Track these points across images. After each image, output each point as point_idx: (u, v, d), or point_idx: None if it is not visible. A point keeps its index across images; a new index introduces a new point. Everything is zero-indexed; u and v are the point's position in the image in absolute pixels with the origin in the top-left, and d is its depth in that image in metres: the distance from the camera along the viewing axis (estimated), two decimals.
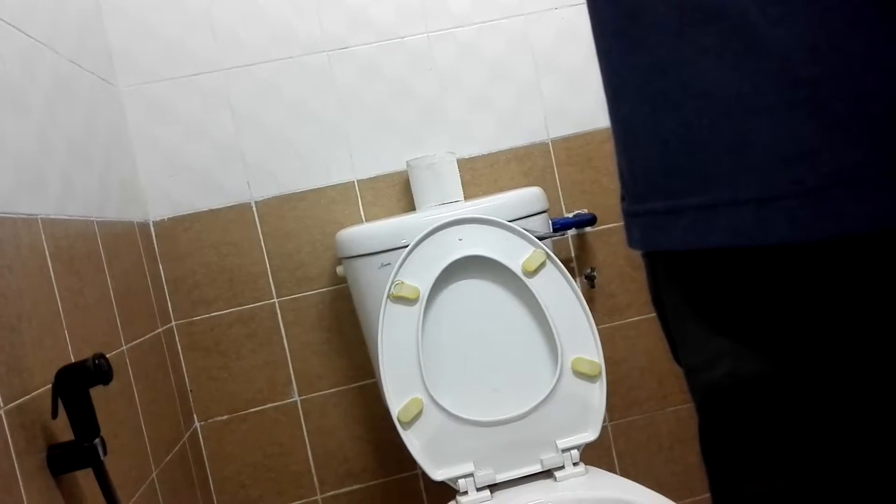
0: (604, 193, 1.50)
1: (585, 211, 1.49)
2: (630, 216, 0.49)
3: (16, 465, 0.70)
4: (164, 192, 1.37)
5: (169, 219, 1.38)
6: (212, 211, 1.39)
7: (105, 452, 0.79)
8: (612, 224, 1.50)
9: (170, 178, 1.38)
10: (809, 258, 0.38)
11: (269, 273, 1.41)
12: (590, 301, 1.50)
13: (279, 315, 1.41)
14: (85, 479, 0.84)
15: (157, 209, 1.37)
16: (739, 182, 0.40)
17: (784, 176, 0.38)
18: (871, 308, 0.37)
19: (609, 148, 1.50)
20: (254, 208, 1.40)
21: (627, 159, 0.48)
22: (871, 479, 0.38)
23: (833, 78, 0.35)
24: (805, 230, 0.37)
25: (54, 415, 0.77)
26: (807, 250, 0.38)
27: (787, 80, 0.37)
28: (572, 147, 1.49)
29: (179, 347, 1.38)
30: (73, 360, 0.87)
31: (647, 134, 0.46)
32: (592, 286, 1.50)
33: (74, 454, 0.77)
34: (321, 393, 1.43)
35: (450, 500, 1.16)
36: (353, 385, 1.44)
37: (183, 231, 1.38)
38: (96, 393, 0.92)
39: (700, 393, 0.47)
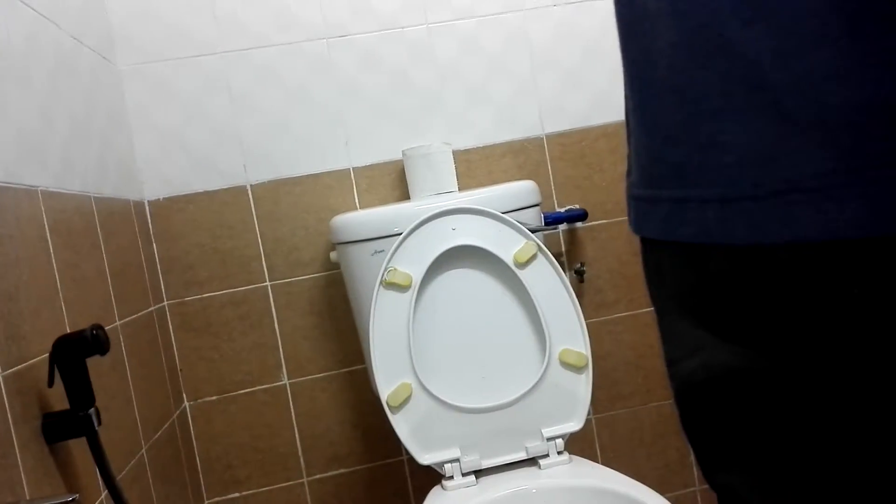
0: (596, 190, 1.52)
1: (577, 206, 1.51)
2: (628, 197, 0.50)
3: (12, 430, 0.71)
4: (160, 172, 1.38)
5: (164, 199, 1.38)
6: (207, 192, 1.40)
7: (99, 422, 0.80)
8: (603, 220, 1.52)
9: (166, 159, 1.38)
10: (775, 258, 0.38)
11: (263, 256, 1.42)
12: (578, 295, 1.52)
13: (271, 298, 1.42)
14: (78, 448, 0.85)
15: (152, 189, 1.38)
16: (707, 180, 0.40)
17: (746, 178, 0.38)
18: (831, 310, 0.37)
19: (602, 145, 1.52)
20: (249, 191, 1.41)
21: (628, 144, 0.50)
22: (832, 471, 0.39)
23: (796, 86, 0.36)
24: (761, 233, 0.38)
25: (50, 383, 0.78)
26: (773, 250, 0.38)
27: (753, 84, 0.37)
28: (566, 143, 1.51)
29: (171, 327, 1.39)
30: (69, 332, 0.88)
31: (636, 123, 0.47)
32: (582, 281, 1.52)
33: (69, 422, 0.78)
34: (310, 377, 1.44)
35: (435, 485, 1.18)
36: (343, 370, 1.45)
37: (178, 211, 1.39)
38: (89, 366, 0.93)
39: (676, 384, 0.48)
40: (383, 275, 1.19)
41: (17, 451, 0.72)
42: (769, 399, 0.40)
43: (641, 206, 0.47)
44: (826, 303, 0.37)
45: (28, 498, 0.70)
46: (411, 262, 1.20)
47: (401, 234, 1.21)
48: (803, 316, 0.38)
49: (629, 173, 0.50)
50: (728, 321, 0.41)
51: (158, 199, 1.38)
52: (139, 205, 1.34)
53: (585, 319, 1.50)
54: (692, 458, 1.55)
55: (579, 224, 1.52)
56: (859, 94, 0.35)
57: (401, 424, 1.17)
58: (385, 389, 1.17)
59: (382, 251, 1.24)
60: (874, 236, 0.35)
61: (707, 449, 0.46)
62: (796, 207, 0.36)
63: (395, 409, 1.17)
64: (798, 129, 0.36)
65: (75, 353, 0.78)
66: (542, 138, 1.50)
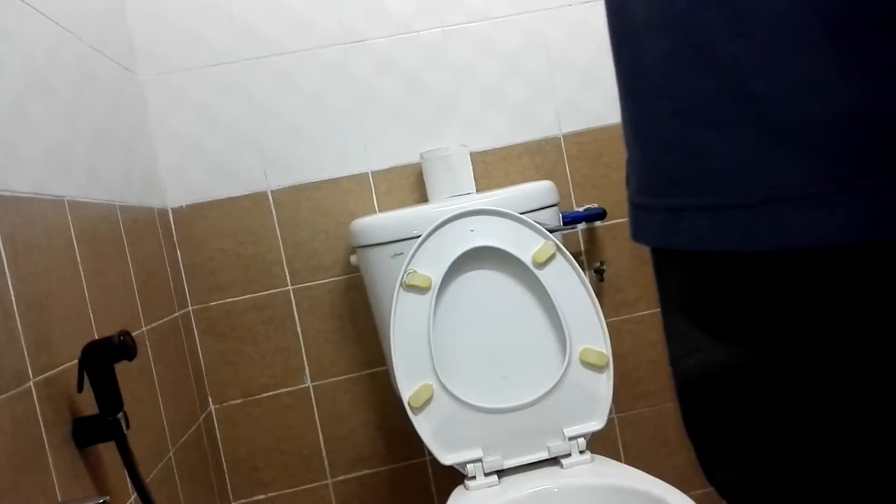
0: (614, 188, 1.51)
1: (596, 205, 1.51)
2: (629, 205, 0.51)
3: (44, 435, 0.73)
4: (182, 180, 1.40)
5: (187, 206, 1.41)
6: (229, 199, 1.42)
7: (128, 426, 0.82)
8: (622, 219, 1.52)
9: (188, 166, 1.41)
10: (766, 265, 0.39)
11: (284, 261, 1.44)
12: (598, 295, 1.52)
13: (293, 302, 1.44)
14: (107, 452, 0.87)
15: (175, 196, 1.40)
16: (700, 189, 0.41)
17: (736, 187, 0.39)
18: (819, 314, 0.38)
19: (619, 144, 1.51)
20: (270, 197, 1.43)
21: (627, 151, 0.50)
22: (823, 468, 0.40)
23: (781, 97, 0.36)
24: (752, 241, 0.39)
25: (80, 388, 0.80)
26: (764, 258, 0.39)
27: (740, 96, 0.38)
28: (584, 142, 1.51)
29: (196, 332, 1.41)
30: (97, 338, 0.90)
31: (632, 131, 0.48)
32: (601, 280, 1.52)
33: (99, 427, 0.80)
34: (333, 379, 1.45)
35: (458, 486, 1.19)
36: (365, 372, 1.46)
37: (200, 218, 1.41)
38: (117, 372, 0.95)
39: (677, 382, 0.49)
40: (403, 277, 1.20)
41: (50, 456, 0.73)
42: (763, 398, 0.41)
43: (639, 214, 0.48)
44: (814, 307, 0.38)
45: (60, 500, 0.72)
46: (431, 264, 1.21)
47: (420, 236, 1.22)
48: (794, 320, 0.39)
49: (628, 180, 0.51)
50: (722, 322, 0.42)
51: (181, 207, 1.41)
52: (163, 212, 1.36)
53: (606, 318, 1.50)
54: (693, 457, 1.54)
55: (598, 223, 1.52)
56: (842, 104, 0.35)
57: (423, 425, 1.18)
58: (407, 390, 1.18)
59: (402, 254, 1.25)
60: (861, 243, 0.36)
61: (705, 446, 0.47)
62: (786, 216, 0.37)
63: (416, 410, 1.18)
64: (785, 139, 0.37)
65: (103, 358, 0.80)
66: (560, 138, 1.50)
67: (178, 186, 1.40)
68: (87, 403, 0.84)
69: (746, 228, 0.39)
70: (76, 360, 0.83)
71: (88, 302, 0.91)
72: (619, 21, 0.47)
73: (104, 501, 0.64)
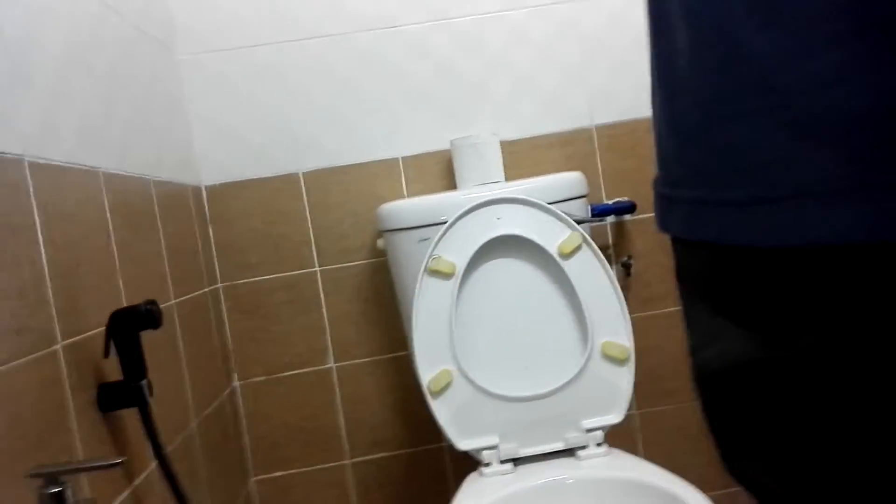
0: (646, 182, 1.50)
1: (626, 199, 1.49)
2: (655, 196, 0.51)
3: (69, 397, 0.76)
4: (216, 159, 1.43)
5: (220, 184, 1.43)
6: (261, 179, 1.44)
7: (151, 394, 0.84)
8: (652, 213, 1.50)
9: (222, 146, 1.43)
10: (789, 259, 0.39)
11: (313, 242, 1.45)
12: (625, 289, 1.51)
13: (320, 284, 1.46)
14: (130, 418, 0.90)
15: (209, 175, 1.43)
16: (723, 182, 0.41)
17: (760, 181, 0.39)
18: (838, 309, 0.38)
19: (653, 137, 1.50)
20: (301, 179, 1.45)
21: (655, 142, 0.50)
22: (849, 460, 0.39)
23: (805, 90, 0.36)
24: (773, 236, 0.39)
25: (106, 354, 0.82)
26: (786, 252, 0.39)
27: (762, 88, 0.38)
28: (616, 134, 1.49)
29: (224, 308, 1.44)
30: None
31: (660, 122, 0.48)
32: (629, 274, 1.51)
33: (122, 393, 0.83)
34: (356, 361, 1.47)
35: (472, 472, 1.19)
36: (387, 356, 1.48)
37: (233, 197, 1.44)
38: (144, 341, 0.97)
39: (695, 372, 0.49)
40: (428, 262, 1.21)
41: (74, 417, 0.76)
42: (783, 388, 0.41)
43: (665, 204, 0.49)
44: (837, 301, 0.38)
45: (80, 459, 0.74)
46: (456, 251, 1.21)
47: (446, 222, 1.22)
48: (817, 313, 0.39)
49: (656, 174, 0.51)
50: (746, 311, 0.42)
51: (215, 185, 1.43)
52: (196, 189, 1.39)
53: (632, 313, 1.49)
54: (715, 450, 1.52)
55: (628, 217, 1.50)
56: (868, 98, 0.35)
57: (440, 410, 1.19)
58: (426, 375, 1.19)
59: (428, 239, 1.26)
60: (882, 241, 0.35)
61: (724, 436, 0.47)
62: (807, 211, 0.37)
63: (435, 395, 1.19)
64: (809, 133, 0.37)
65: (130, 326, 0.82)
66: (592, 129, 1.49)
67: (212, 165, 1.43)
68: (113, 370, 0.86)
69: (771, 223, 0.38)
70: (104, 328, 0.85)
71: (119, 272, 0.94)
72: (654, 7, 0.47)
73: (119, 462, 0.66)
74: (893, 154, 0.34)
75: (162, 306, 1.09)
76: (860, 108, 0.35)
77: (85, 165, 0.88)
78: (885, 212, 0.35)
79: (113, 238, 0.94)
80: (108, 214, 0.93)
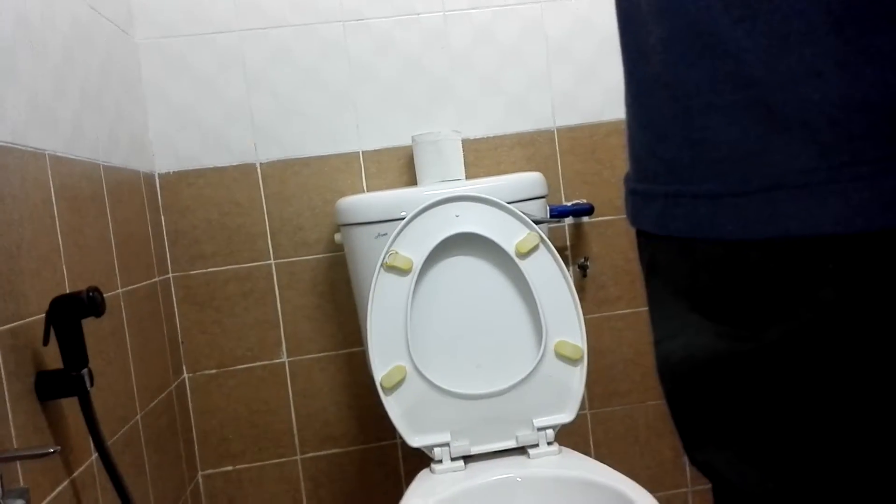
0: (604, 185, 1.51)
1: (584, 201, 1.50)
2: (626, 192, 0.51)
3: (4, 384, 0.73)
4: (171, 146, 1.40)
5: (174, 172, 1.40)
6: (217, 168, 1.41)
7: (92, 383, 0.82)
8: (609, 216, 1.52)
9: (178, 133, 1.40)
10: (761, 251, 0.39)
11: (269, 234, 1.43)
12: (581, 290, 1.52)
13: (275, 277, 1.44)
14: (70, 408, 0.87)
15: (163, 162, 1.40)
16: (698, 176, 0.41)
17: (734, 174, 0.39)
18: (811, 301, 0.38)
19: (613, 141, 1.51)
20: (258, 170, 1.43)
21: (627, 138, 0.50)
22: (806, 447, 0.40)
23: (781, 84, 0.36)
24: (748, 229, 0.39)
25: (45, 342, 0.80)
26: (759, 244, 0.39)
27: (740, 82, 0.38)
28: (577, 137, 1.50)
29: (175, 299, 1.41)
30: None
31: (632, 117, 0.48)
32: (585, 276, 1.52)
33: (62, 381, 0.80)
34: (309, 356, 1.45)
35: (424, 469, 1.19)
36: (342, 352, 1.46)
37: (187, 186, 1.41)
38: (88, 330, 0.95)
39: (659, 363, 0.49)
40: (384, 258, 1.20)
41: (9, 405, 0.73)
42: (751, 379, 0.41)
43: (637, 200, 0.49)
44: (806, 294, 0.38)
45: (14, 448, 0.71)
46: (413, 247, 1.21)
47: (405, 218, 1.21)
48: (783, 304, 0.39)
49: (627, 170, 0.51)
50: (715, 303, 0.43)
51: (168, 173, 1.40)
52: (149, 177, 1.36)
53: (586, 314, 1.51)
54: (685, 460, 1.55)
55: (586, 219, 1.52)
56: (841, 91, 0.35)
57: (393, 406, 1.18)
58: (379, 371, 1.18)
59: (386, 234, 1.25)
60: (852, 233, 0.36)
61: (687, 427, 0.47)
62: (781, 204, 0.37)
63: (388, 391, 1.18)
64: (783, 126, 0.37)
65: (71, 313, 0.79)
66: (553, 131, 1.50)
67: (167, 152, 1.40)
68: (53, 357, 0.83)
69: (743, 216, 0.39)
70: (44, 314, 0.83)
71: (63, 257, 0.91)
72: (625, 3, 0.47)
73: (54, 451, 0.64)
74: (865, 148, 0.35)
75: (108, 295, 1.06)
76: (833, 101, 0.35)
77: (30, 147, 0.85)
78: (855, 204, 0.35)
79: (58, 222, 0.91)
80: (54, 197, 0.90)
